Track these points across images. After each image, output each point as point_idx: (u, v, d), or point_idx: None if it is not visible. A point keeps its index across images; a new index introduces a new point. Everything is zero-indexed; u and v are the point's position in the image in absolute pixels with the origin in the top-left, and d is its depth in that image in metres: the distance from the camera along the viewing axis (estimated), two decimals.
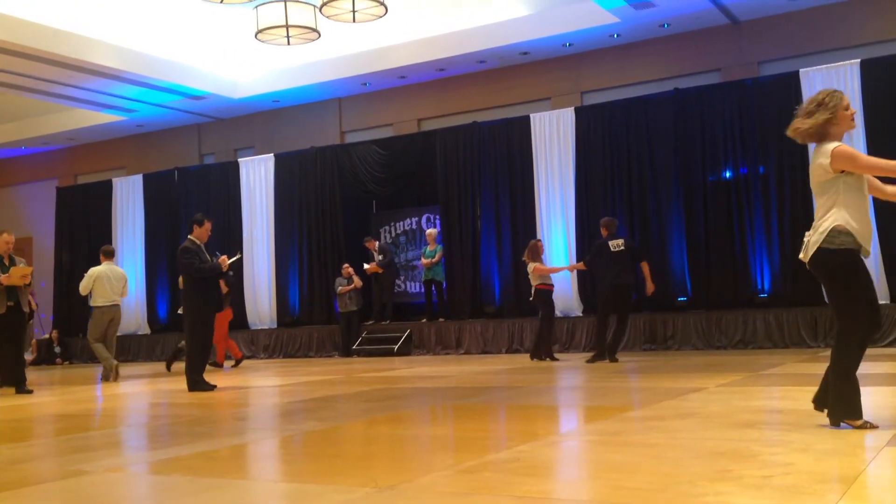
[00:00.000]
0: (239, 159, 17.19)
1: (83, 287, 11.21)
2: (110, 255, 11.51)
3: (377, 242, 15.19)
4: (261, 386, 9.32)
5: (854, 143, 11.68)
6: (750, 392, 6.26)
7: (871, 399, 5.64)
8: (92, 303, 11.17)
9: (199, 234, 8.66)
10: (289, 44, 12.74)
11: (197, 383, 8.44)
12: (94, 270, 11.25)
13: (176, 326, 16.68)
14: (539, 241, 11.72)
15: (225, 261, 8.55)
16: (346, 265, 14.72)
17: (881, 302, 11.30)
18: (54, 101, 16.49)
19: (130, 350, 17.32)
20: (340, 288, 14.56)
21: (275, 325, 16.17)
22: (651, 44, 13.84)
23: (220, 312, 12.26)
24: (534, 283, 11.11)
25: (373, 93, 16.25)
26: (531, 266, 11.10)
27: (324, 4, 11.87)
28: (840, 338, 4.13)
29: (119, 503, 3.52)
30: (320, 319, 15.79)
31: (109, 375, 10.87)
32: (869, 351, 4.33)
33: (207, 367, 11.27)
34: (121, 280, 11.33)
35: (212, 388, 8.40)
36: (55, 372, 14.66)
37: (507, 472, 3.51)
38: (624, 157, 13.41)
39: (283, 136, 17.07)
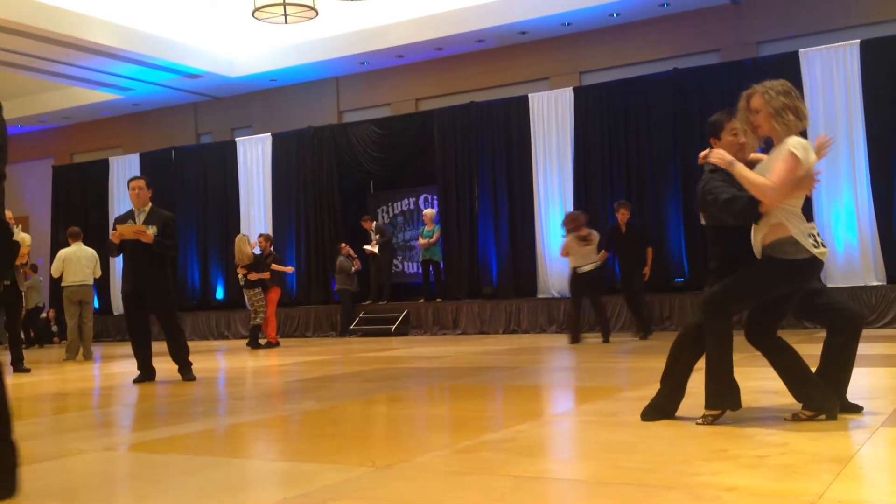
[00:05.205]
0: (236, 138, 17.13)
1: (54, 269, 11.59)
2: (77, 236, 11.69)
3: (374, 222, 15.15)
4: (259, 366, 9.33)
5: (854, 124, 11.69)
6: (746, 373, 6.26)
7: (867, 380, 5.66)
8: (63, 283, 11.39)
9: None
10: (286, 22, 12.67)
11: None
12: (62, 252, 11.54)
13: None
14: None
15: (115, 235, 7.63)
16: (344, 244, 14.68)
17: (877, 283, 11.33)
18: (50, 80, 16.40)
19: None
20: (354, 268, 14.49)
21: None
22: (650, 23, 13.77)
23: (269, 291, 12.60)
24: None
25: (371, 72, 16.16)
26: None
27: None
28: None
29: (116, 482, 3.54)
30: (318, 299, 15.79)
31: (74, 355, 11.12)
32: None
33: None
34: (91, 260, 11.51)
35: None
36: (52, 351, 14.69)
37: (503, 452, 3.53)
38: (622, 137, 13.37)
39: (281, 116, 17.00)
